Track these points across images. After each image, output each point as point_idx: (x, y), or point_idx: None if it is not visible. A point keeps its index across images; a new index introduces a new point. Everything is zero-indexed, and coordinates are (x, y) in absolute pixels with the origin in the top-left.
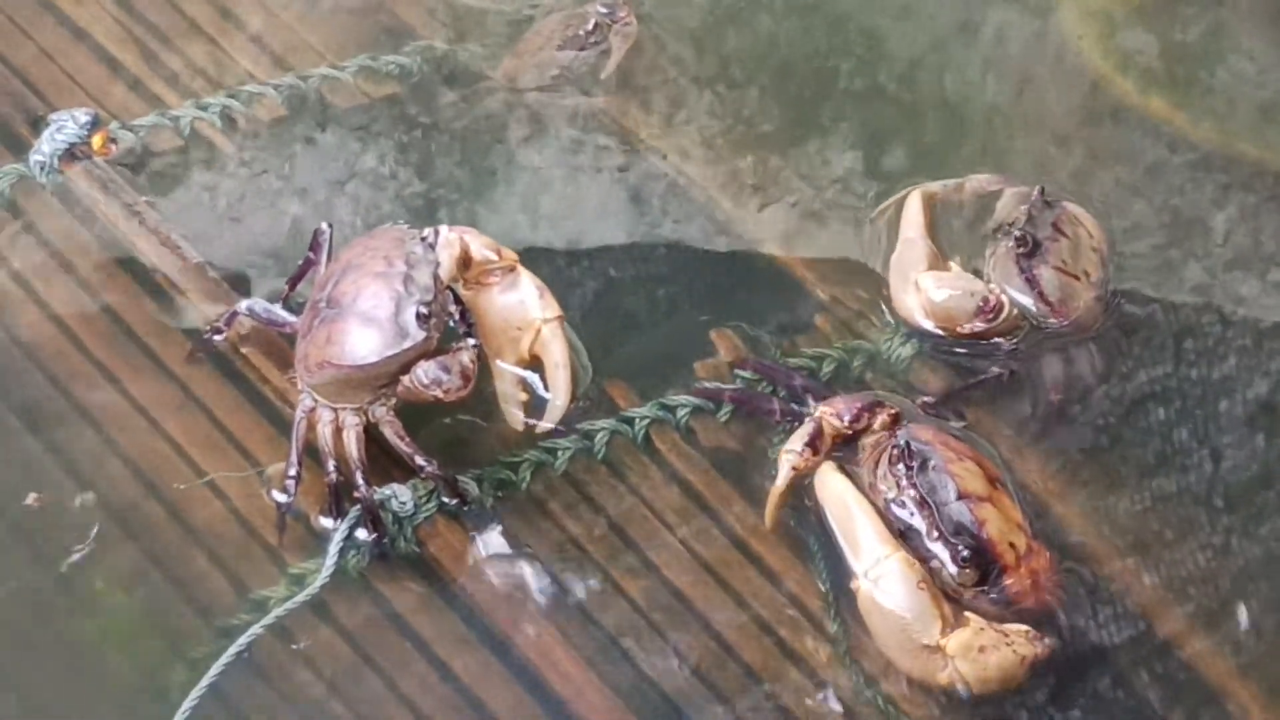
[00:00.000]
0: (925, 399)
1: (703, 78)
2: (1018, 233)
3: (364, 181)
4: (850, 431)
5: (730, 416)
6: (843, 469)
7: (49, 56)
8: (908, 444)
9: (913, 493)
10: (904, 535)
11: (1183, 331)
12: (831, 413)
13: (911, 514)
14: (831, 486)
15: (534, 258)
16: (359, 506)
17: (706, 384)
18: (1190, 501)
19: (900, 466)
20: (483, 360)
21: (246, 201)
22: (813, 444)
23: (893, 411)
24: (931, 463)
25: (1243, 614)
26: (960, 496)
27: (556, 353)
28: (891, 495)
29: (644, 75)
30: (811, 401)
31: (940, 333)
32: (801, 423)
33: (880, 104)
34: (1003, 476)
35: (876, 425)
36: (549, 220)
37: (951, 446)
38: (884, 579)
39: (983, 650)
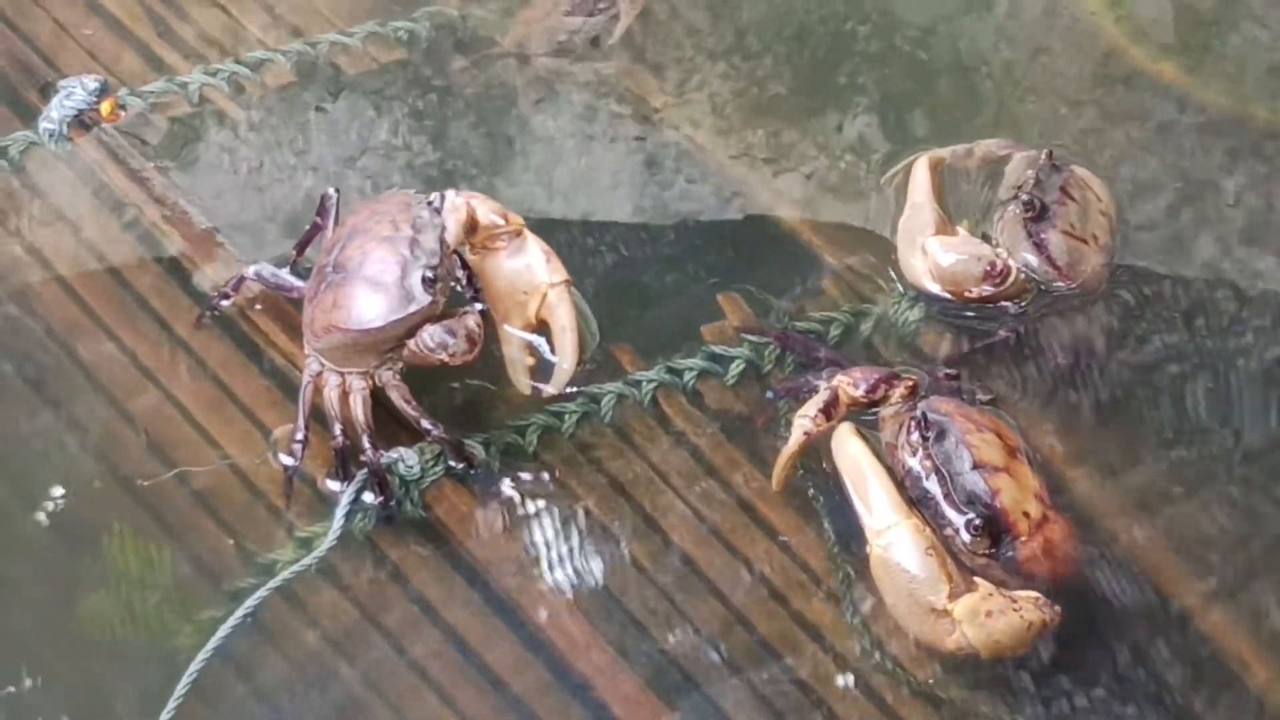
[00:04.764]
0: (947, 370)
1: (717, 44)
2: (1025, 197)
3: (376, 153)
4: (866, 401)
5: (737, 380)
6: (861, 432)
7: (60, 25)
8: (924, 414)
9: (928, 462)
10: (920, 502)
11: (1194, 297)
12: (849, 382)
13: (927, 482)
14: (848, 449)
15: (546, 225)
16: (365, 470)
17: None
18: (1207, 467)
19: (916, 436)
20: (490, 325)
21: (259, 168)
22: (827, 411)
23: (910, 383)
24: (948, 433)
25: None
26: (975, 466)
27: (563, 316)
28: (910, 464)
29: (656, 40)
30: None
31: (947, 296)
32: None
33: (895, 75)
34: (1022, 446)
35: (894, 397)
36: (562, 189)
37: (972, 418)
38: (894, 545)
39: (989, 615)
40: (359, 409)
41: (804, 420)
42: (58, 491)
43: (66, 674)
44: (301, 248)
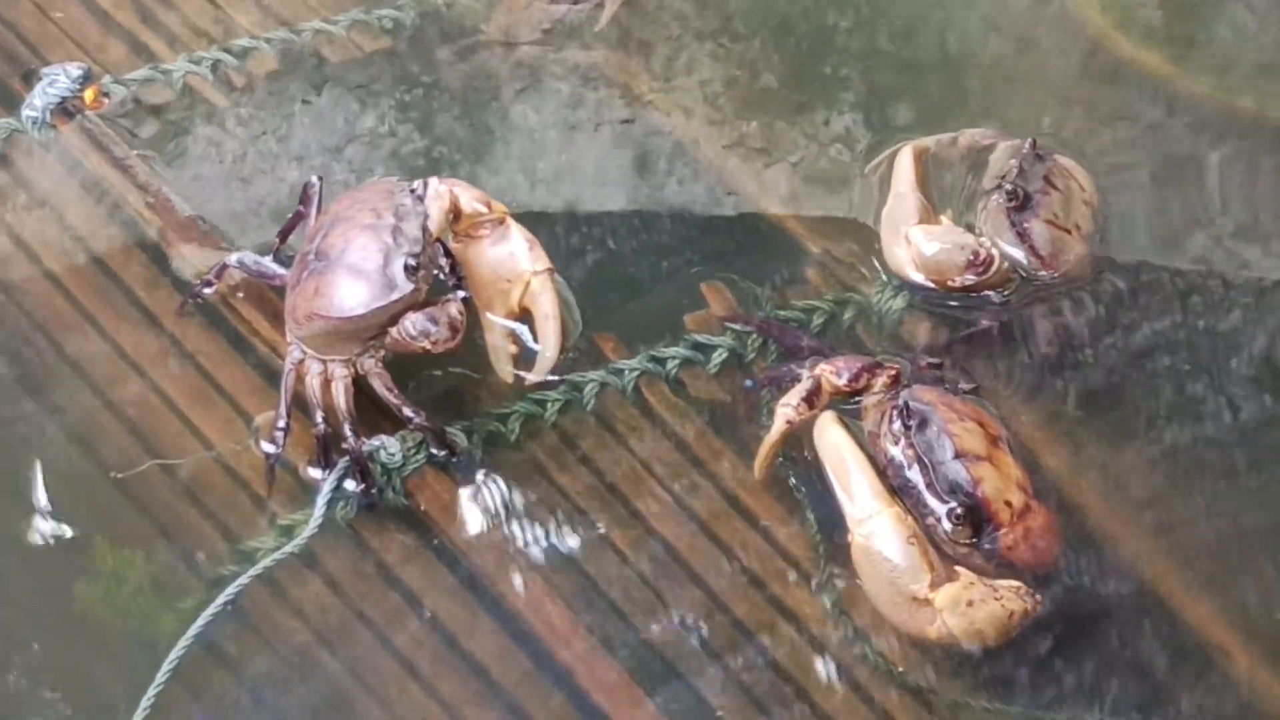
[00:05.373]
0: (930, 359)
1: (703, 31)
2: (1008, 186)
3: (361, 142)
4: (848, 390)
5: (719, 369)
6: (843, 421)
7: (43, 11)
8: (906, 403)
9: (910, 451)
10: (901, 491)
11: (1179, 286)
12: (831, 370)
13: (909, 471)
14: (829, 438)
15: (529, 214)
16: (347, 458)
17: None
18: (1191, 456)
19: (898, 425)
20: (472, 313)
21: (243, 156)
22: (809, 400)
23: (893, 372)
24: (930, 422)
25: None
26: (957, 455)
27: (546, 305)
28: (892, 453)
29: (642, 29)
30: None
31: (931, 285)
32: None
33: (881, 66)
34: (1004, 435)
35: (877, 386)
36: (545, 177)
37: (954, 407)
38: (876, 534)
39: (971, 604)
40: (341, 396)
41: (786, 409)
42: (40, 481)
43: (50, 662)
44: (284, 235)
